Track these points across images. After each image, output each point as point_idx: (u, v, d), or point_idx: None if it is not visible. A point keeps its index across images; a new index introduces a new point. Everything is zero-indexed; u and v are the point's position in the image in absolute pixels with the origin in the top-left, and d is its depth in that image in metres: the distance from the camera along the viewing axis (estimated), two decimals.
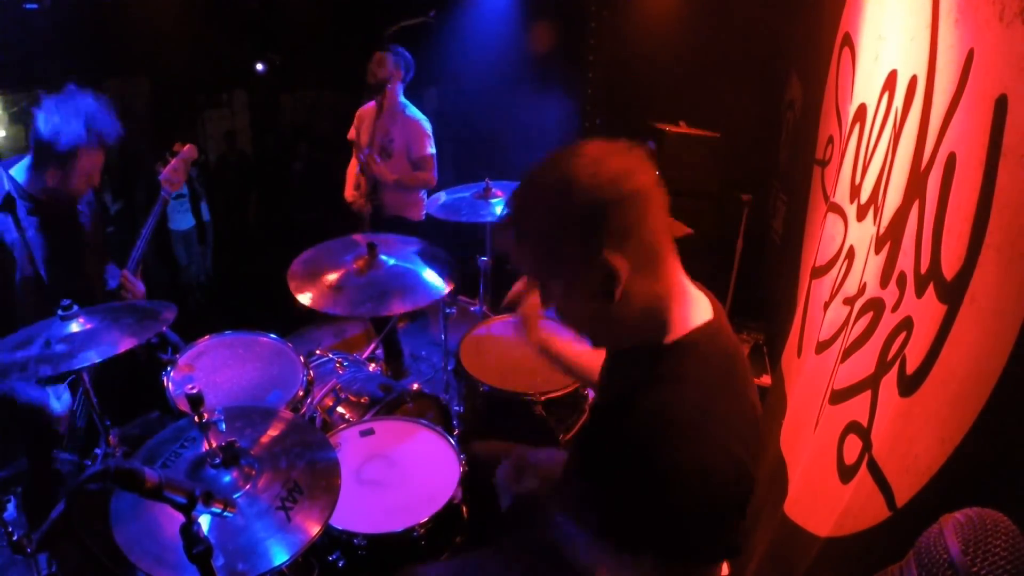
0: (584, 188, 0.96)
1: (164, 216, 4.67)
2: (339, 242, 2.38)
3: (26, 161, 2.06)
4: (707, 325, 1.08)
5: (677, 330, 1.06)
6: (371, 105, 3.44)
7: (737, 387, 1.07)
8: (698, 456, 0.96)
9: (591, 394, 2.28)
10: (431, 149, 3.41)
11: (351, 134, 3.56)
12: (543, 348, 1.62)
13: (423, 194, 3.58)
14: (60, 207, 2.13)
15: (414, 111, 3.45)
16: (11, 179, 2.04)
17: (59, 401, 2.08)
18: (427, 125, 3.42)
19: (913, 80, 1.46)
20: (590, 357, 1.56)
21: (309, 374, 2.14)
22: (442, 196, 2.93)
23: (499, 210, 2.68)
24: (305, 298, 2.10)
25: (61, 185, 2.03)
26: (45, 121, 1.95)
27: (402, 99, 3.44)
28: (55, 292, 2.11)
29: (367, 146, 3.40)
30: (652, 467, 0.98)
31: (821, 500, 1.54)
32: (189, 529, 1.02)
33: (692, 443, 0.97)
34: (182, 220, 4.89)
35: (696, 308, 1.09)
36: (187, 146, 2.40)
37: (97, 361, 1.56)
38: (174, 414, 2.00)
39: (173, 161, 2.36)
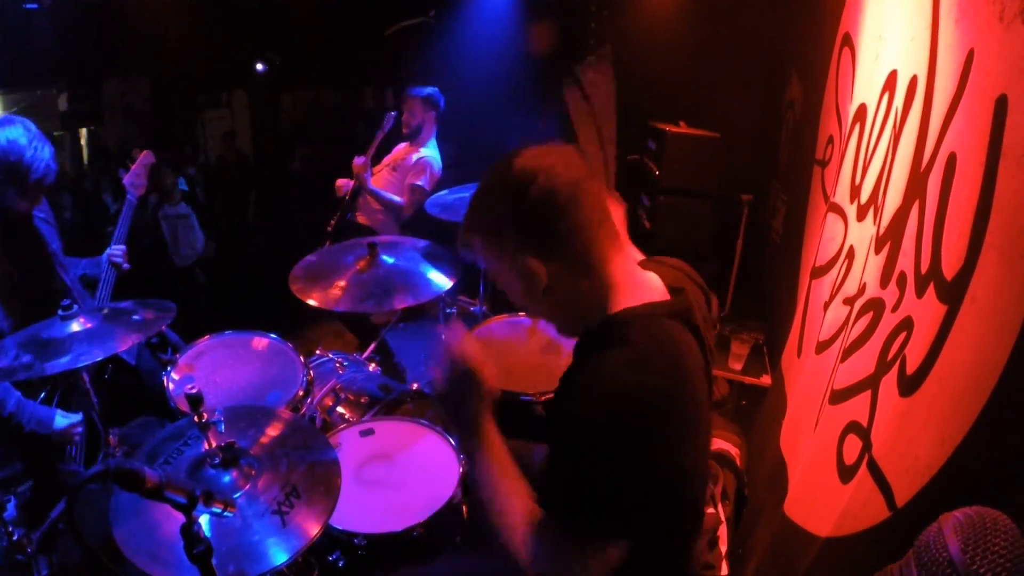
0: (504, 199, 1.07)
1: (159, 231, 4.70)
2: (338, 248, 2.39)
3: None
4: (645, 306, 1.06)
5: (612, 310, 1.08)
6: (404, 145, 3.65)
7: (682, 368, 1.02)
8: (595, 414, 0.96)
9: None
10: (424, 184, 3.51)
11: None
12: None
13: (400, 222, 3.66)
14: (12, 222, 2.13)
15: (435, 151, 3.60)
16: None
17: (64, 417, 2.08)
18: (437, 167, 3.55)
19: (913, 80, 1.46)
20: None
21: (309, 374, 2.14)
22: (444, 195, 2.94)
23: None
24: (308, 299, 2.10)
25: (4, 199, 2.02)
26: None
27: (433, 138, 3.61)
28: (31, 294, 2.11)
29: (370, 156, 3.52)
30: (559, 424, 1.03)
31: (821, 500, 1.54)
32: (189, 529, 1.02)
33: (592, 407, 0.97)
34: (191, 238, 4.87)
35: (638, 292, 1.09)
36: (144, 152, 2.55)
37: (100, 359, 1.56)
38: (174, 414, 2.00)
39: (133, 167, 2.49)
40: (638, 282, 1.12)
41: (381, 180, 3.59)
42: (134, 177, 2.49)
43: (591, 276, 1.08)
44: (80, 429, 2.09)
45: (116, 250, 2.37)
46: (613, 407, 0.96)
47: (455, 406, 1.17)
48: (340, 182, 3.68)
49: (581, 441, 0.97)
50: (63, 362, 1.56)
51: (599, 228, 1.08)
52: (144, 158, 2.54)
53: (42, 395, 2.11)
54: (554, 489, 1.03)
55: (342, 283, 2.18)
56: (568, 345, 2.48)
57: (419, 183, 3.50)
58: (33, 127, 2.05)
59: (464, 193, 2.87)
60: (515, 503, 1.07)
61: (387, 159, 3.64)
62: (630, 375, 0.97)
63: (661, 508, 1.01)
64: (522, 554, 1.03)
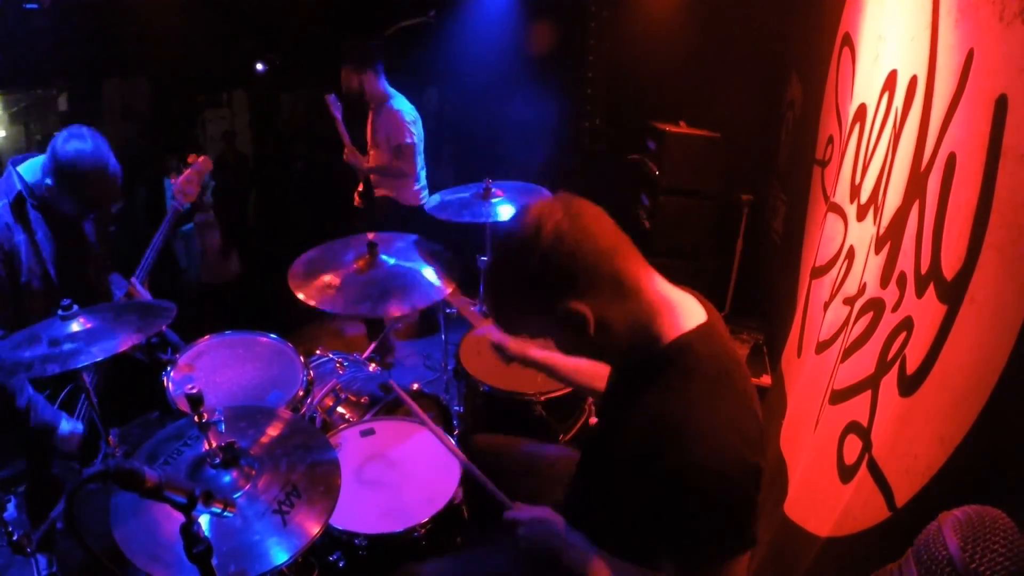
0: (516, 264, 1.06)
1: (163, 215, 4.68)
2: (340, 243, 2.38)
3: (37, 161, 2.06)
4: (699, 328, 1.10)
5: (668, 335, 1.08)
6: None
7: (735, 385, 1.08)
8: (704, 455, 0.97)
9: None
10: (408, 139, 3.51)
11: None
12: (540, 364, 1.70)
13: (416, 183, 3.68)
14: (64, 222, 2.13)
15: (399, 102, 3.55)
16: (21, 177, 2.03)
17: (69, 423, 2.08)
18: (407, 115, 3.51)
19: (913, 80, 1.46)
20: (589, 366, 1.62)
21: (309, 374, 2.14)
22: (438, 197, 2.94)
23: (500, 209, 2.69)
24: (305, 297, 2.10)
25: (54, 201, 2.02)
26: (66, 140, 1.91)
27: (389, 91, 3.56)
28: (62, 293, 2.11)
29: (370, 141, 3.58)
30: (661, 472, 1.00)
31: (821, 500, 1.54)
32: (189, 529, 1.02)
33: (696, 443, 0.98)
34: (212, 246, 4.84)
35: (684, 313, 1.11)
36: (202, 158, 2.36)
37: (100, 359, 1.56)
38: (174, 414, 2.00)
39: (187, 172, 2.31)
40: (678, 302, 1.13)
41: (374, 160, 3.65)
42: (184, 184, 2.29)
43: (631, 297, 1.08)
44: (81, 430, 2.09)
45: (140, 293, 2.27)
46: (719, 440, 0.99)
47: (547, 542, 1.26)
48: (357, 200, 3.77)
49: (694, 481, 0.98)
50: (63, 362, 1.56)
51: (617, 251, 1.08)
52: (201, 164, 2.33)
53: (46, 393, 2.11)
54: (677, 538, 1.03)
55: (337, 283, 2.17)
56: None
57: (405, 141, 3.50)
58: (104, 149, 1.96)
59: (464, 193, 2.87)
60: None
61: (369, 141, 3.68)
62: (723, 409, 1.03)
63: (755, 500, 1.05)
64: None
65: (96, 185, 1.96)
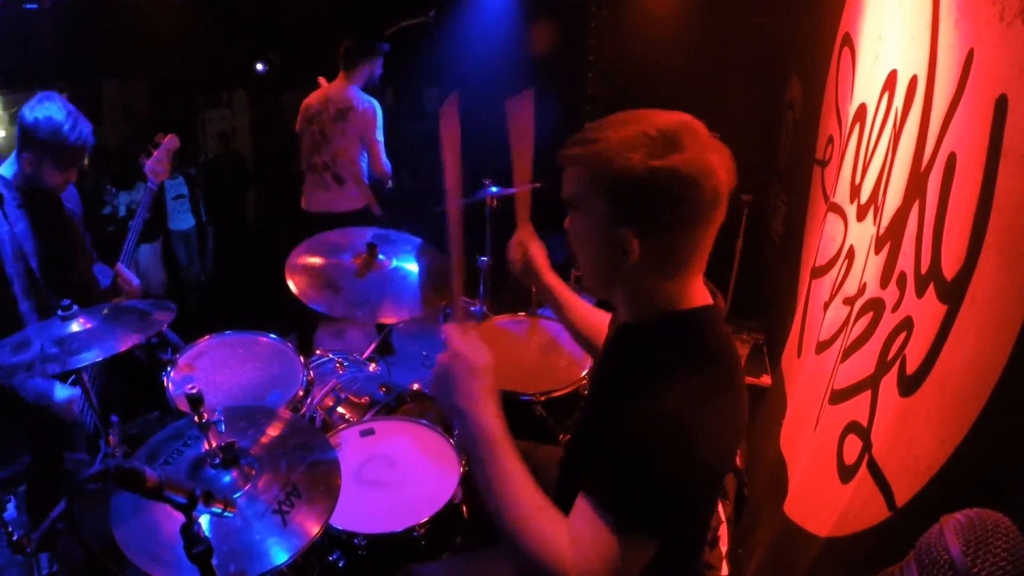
0: (640, 163, 0.94)
1: (163, 215, 4.70)
2: (338, 233, 2.39)
3: (12, 156, 2.08)
4: (708, 308, 1.08)
5: (681, 305, 1.06)
6: None
7: (727, 369, 1.06)
8: (674, 416, 0.96)
9: None
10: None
11: None
12: (550, 292, 1.57)
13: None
14: (47, 201, 2.14)
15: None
16: None
17: (64, 389, 2.08)
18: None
19: (913, 80, 1.46)
20: (599, 320, 1.52)
21: (309, 374, 2.14)
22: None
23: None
24: (300, 292, 2.11)
25: (35, 174, 2.05)
26: (31, 108, 2.00)
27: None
28: (49, 287, 2.11)
29: None
30: (627, 416, 0.97)
31: (821, 500, 1.54)
32: (190, 529, 1.02)
33: (671, 406, 0.96)
34: (182, 220, 4.89)
35: (701, 293, 1.10)
36: (169, 136, 2.43)
37: (100, 359, 1.56)
38: (174, 414, 2.00)
39: (156, 152, 2.39)
40: (699, 284, 1.11)
41: None
42: (155, 164, 2.37)
43: (673, 279, 1.05)
44: (82, 403, 2.09)
45: (127, 278, 2.30)
46: (697, 407, 0.96)
47: (447, 396, 1.08)
48: None
49: (658, 436, 0.94)
50: (63, 363, 1.56)
51: (708, 248, 1.04)
52: (168, 143, 2.41)
53: None
54: (606, 475, 0.96)
55: (332, 278, 2.18)
56: (568, 345, 2.48)
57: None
58: (71, 105, 2.05)
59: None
60: (533, 500, 0.99)
61: None
62: (714, 383, 1.00)
63: (702, 507, 1.02)
64: (552, 552, 0.94)
65: (66, 139, 2.01)
